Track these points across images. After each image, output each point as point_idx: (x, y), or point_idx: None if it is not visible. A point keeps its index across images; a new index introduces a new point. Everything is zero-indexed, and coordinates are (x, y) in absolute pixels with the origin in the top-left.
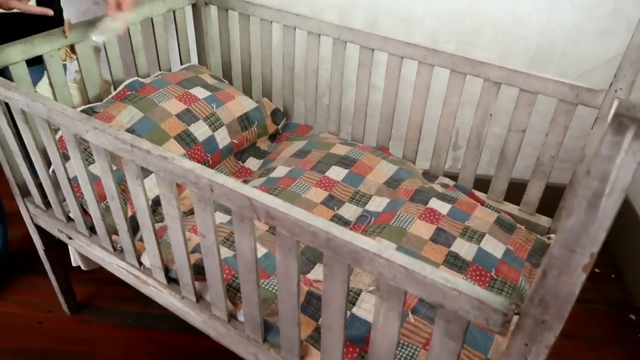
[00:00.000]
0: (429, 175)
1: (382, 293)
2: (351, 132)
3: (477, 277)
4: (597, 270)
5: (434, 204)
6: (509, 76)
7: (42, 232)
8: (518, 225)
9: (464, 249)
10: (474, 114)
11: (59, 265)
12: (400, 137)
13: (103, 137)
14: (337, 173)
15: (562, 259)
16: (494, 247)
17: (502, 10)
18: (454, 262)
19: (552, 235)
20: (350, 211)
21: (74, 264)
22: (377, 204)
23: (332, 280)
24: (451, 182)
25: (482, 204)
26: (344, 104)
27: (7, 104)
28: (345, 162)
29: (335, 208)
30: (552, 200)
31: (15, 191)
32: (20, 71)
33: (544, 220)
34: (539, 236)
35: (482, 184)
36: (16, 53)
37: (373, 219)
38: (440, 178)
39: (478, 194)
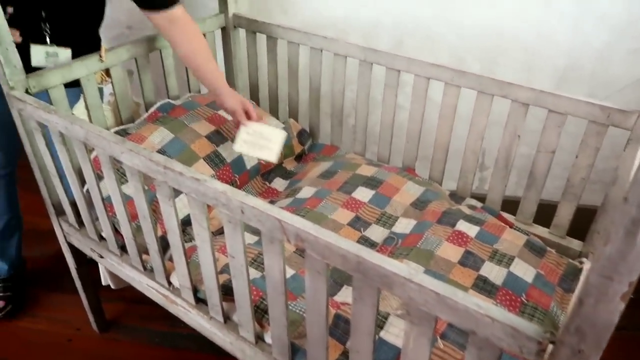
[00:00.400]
0: (456, 197)
1: (413, 318)
2: (377, 152)
3: (508, 302)
4: (632, 296)
5: (462, 226)
6: (538, 97)
7: (74, 250)
8: (548, 248)
9: (493, 272)
10: (501, 135)
11: (89, 284)
12: (426, 158)
13: (137, 159)
14: (363, 194)
15: (599, 287)
16: (524, 271)
17: (529, 30)
18: (483, 286)
19: (584, 259)
20: (376, 233)
21: (103, 283)
22: (404, 226)
23: (361, 303)
24: (479, 204)
25: (511, 226)
26: (370, 124)
27: (46, 127)
28: (371, 183)
29: (362, 229)
30: (583, 223)
31: (51, 210)
32: (59, 95)
33: (575, 244)
34: (570, 260)
35: (511, 205)
36: (55, 77)
37: (400, 241)
38: (468, 199)
39: (506, 215)
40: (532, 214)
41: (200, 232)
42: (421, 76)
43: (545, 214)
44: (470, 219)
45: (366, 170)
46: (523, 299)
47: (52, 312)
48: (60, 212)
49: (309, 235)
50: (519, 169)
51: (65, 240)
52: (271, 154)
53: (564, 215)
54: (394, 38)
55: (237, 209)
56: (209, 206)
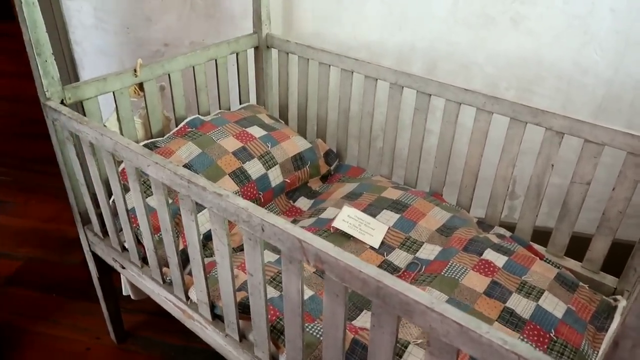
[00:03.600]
0: (484, 225)
1: (433, 349)
2: (404, 176)
3: (535, 338)
4: None
5: (489, 255)
6: (573, 126)
7: (97, 259)
8: (581, 283)
9: (521, 305)
10: (534, 163)
11: (111, 293)
12: (454, 184)
13: (162, 172)
14: (388, 217)
15: (638, 330)
16: (554, 305)
17: (567, 59)
18: (510, 319)
19: (619, 297)
20: (400, 258)
21: (124, 293)
22: (429, 252)
23: (380, 331)
24: (508, 233)
25: (541, 258)
26: (397, 147)
27: (78, 137)
28: (397, 206)
29: (385, 254)
30: (619, 258)
31: (77, 218)
32: (93, 106)
33: (609, 280)
34: (604, 297)
35: (542, 236)
36: (90, 90)
37: (424, 267)
38: (496, 228)
39: (537, 247)
40: (564, 247)
41: (220, 248)
42: (452, 101)
43: (578, 246)
44: (498, 248)
45: (392, 194)
46: (552, 335)
47: (74, 319)
48: (86, 220)
49: (329, 257)
50: (552, 199)
51: (90, 249)
52: (373, 240)
53: (599, 249)
54: (427, 63)
55: (258, 226)
56: (230, 222)
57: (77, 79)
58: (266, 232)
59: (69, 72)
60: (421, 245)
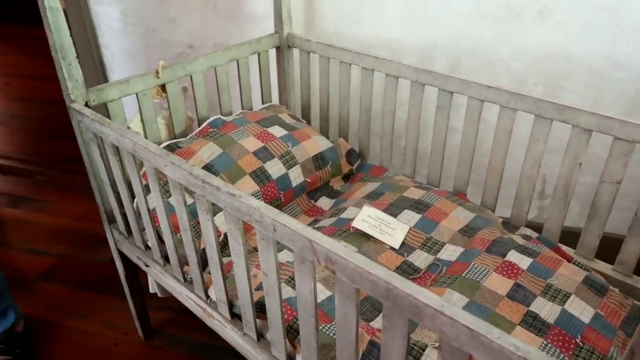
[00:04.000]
0: (509, 225)
1: (445, 354)
2: (427, 175)
3: (560, 343)
4: None
5: (513, 256)
6: (602, 123)
7: (124, 257)
8: (611, 287)
9: (546, 309)
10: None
11: (137, 291)
12: (479, 183)
13: (179, 172)
14: (409, 217)
15: None
16: (581, 310)
17: (598, 53)
18: (533, 324)
19: None
20: (420, 258)
21: (151, 291)
22: (450, 253)
23: (391, 333)
24: (534, 234)
25: (569, 260)
26: (420, 146)
27: (101, 138)
28: (418, 206)
29: (405, 254)
30: None
31: (104, 217)
32: (117, 108)
33: None
34: (636, 302)
35: (571, 237)
36: (114, 92)
37: (445, 268)
38: (522, 229)
39: (565, 248)
40: (594, 248)
41: (236, 247)
42: (475, 98)
43: (610, 248)
44: (523, 250)
45: (414, 193)
46: (578, 341)
47: (103, 315)
48: (112, 219)
49: (339, 258)
50: (583, 199)
51: (116, 247)
52: (393, 240)
53: (631, 251)
54: (450, 60)
55: (270, 226)
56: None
57: (106, 81)
58: (278, 232)
59: (99, 75)
60: (442, 246)
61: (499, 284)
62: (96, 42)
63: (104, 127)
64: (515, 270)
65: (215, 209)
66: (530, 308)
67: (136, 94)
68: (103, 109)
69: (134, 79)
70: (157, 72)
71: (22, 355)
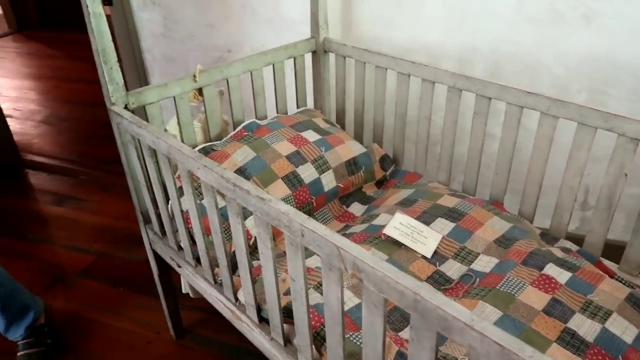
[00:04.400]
0: (548, 237)
1: None
2: (463, 182)
3: None
4: None
5: (551, 270)
6: None
7: (158, 257)
8: None
9: (584, 326)
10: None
11: (170, 290)
12: (516, 192)
13: (211, 175)
14: (442, 226)
15: None
16: (623, 329)
17: None
18: (571, 342)
19: None
20: (453, 268)
21: (183, 291)
22: (484, 264)
23: (419, 346)
24: (574, 247)
25: (612, 275)
26: (456, 152)
27: (139, 140)
28: (452, 214)
29: (437, 264)
30: None
31: (140, 217)
32: (155, 111)
33: None
34: None
35: (614, 251)
36: (152, 95)
37: (478, 279)
38: (562, 241)
39: (607, 263)
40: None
41: (264, 252)
42: (514, 104)
43: None
44: (562, 263)
45: (448, 201)
46: None
47: (137, 313)
48: (147, 220)
49: (366, 266)
50: (628, 211)
51: (150, 247)
52: (426, 249)
53: None
54: (490, 65)
55: (298, 231)
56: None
57: (147, 84)
58: (306, 238)
59: (140, 78)
60: (477, 257)
61: (535, 298)
62: (139, 47)
63: (141, 129)
64: (552, 285)
65: (246, 212)
66: (568, 325)
67: (174, 97)
68: (142, 112)
69: (172, 82)
70: (194, 76)
71: (53, 344)
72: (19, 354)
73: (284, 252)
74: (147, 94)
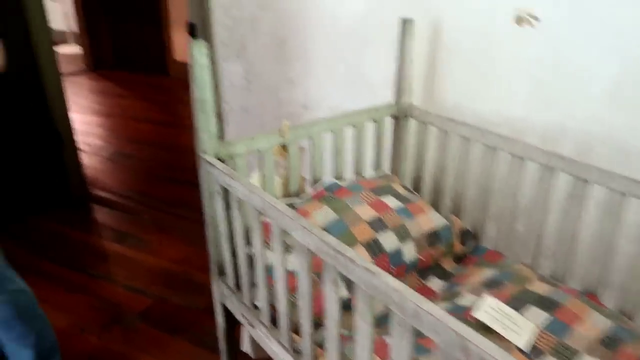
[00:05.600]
0: None
1: None
2: (551, 268)
3: None
4: None
5: None
6: None
7: (226, 312)
8: None
9: None
10: None
11: (233, 348)
12: (614, 285)
13: (309, 237)
14: (535, 315)
15: None
16: None
17: None
18: None
19: None
20: None
21: (243, 349)
22: None
23: None
24: None
25: None
26: (544, 235)
27: (227, 191)
28: (545, 303)
29: (534, 357)
30: None
31: (213, 269)
32: (242, 162)
33: None
34: None
35: None
36: (241, 147)
37: None
38: None
39: None
40: None
41: (362, 327)
42: (616, 190)
43: None
44: None
45: (539, 287)
46: None
47: None
48: (221, 272)
49: None
50: None
51: (220, 301)
52: (520, 339)
53: None
54: (578, 145)
55: (411, 312)
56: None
57: (222, 134)
58: (419, 320)
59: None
60: (580, 357)
61: None
62: (219, 96)
63: (234, 181)
64: None
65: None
66: None
67: (258, 150)
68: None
69: (260, 136)
70: (281, 132)
71: None
72: None
73: None
74: (236, 146)
